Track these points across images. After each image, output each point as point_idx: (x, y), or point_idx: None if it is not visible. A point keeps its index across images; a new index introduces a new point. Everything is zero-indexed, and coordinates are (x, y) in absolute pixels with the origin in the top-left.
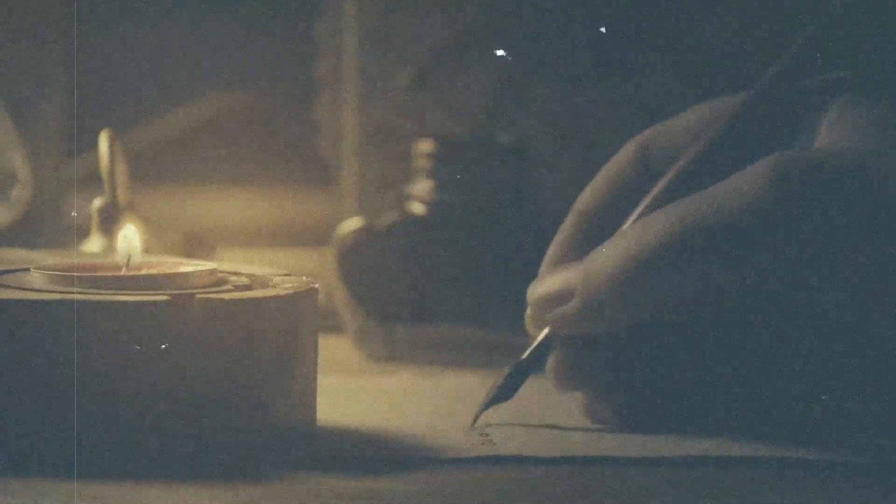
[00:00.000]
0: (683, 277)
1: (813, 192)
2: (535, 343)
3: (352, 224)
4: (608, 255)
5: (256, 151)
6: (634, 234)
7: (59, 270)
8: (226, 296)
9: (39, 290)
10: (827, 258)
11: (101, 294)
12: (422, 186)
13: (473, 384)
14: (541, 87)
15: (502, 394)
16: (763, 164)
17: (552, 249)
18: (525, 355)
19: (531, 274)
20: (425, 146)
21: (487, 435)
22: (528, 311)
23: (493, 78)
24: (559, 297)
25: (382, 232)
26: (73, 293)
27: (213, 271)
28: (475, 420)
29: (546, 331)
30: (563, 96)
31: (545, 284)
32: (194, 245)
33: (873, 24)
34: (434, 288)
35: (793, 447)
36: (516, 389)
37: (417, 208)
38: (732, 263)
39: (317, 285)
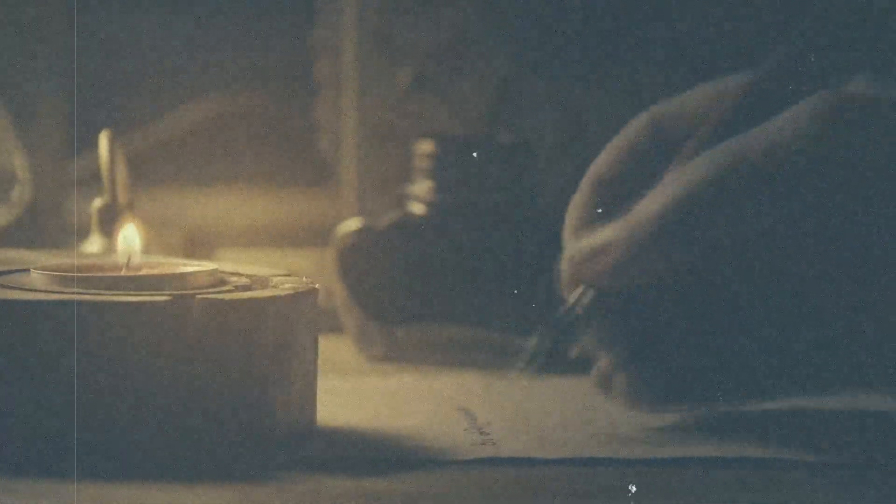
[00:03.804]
0: (731, 215)
1: (863, 128)
2: (571, 300)
3: (352, 224)
4: (652, 203)
5: (256, 151)
6: (677, 179)
7: (59, 271)
8: (226, 296)
9: (39, 291)
10: (876, 195)
11: (101, 294)
12: (422, 186)
13: (473, 384)
14: (541, 87)
15: (542, 350)
16: (809, 100)
17: (571, 215)
18: (560, 313)
19: (531, 274)
20: (425, 146)
21: (488, 434)
22: (564, 271)
23: (493, 78)
24: (601, 250)
25: (382, 232)
26: (73, 293)
27: (213, 272)
28: (520, 371)
29: (581, 288)
30: (563, 96)
31: (585, 240)
32: (194, 245)
33: (880, 9)
34: (434, 288)
35: (792, 447)
36: (556, 346)
37: (417, 208)
38: (780, 199)
39: (317, 285)
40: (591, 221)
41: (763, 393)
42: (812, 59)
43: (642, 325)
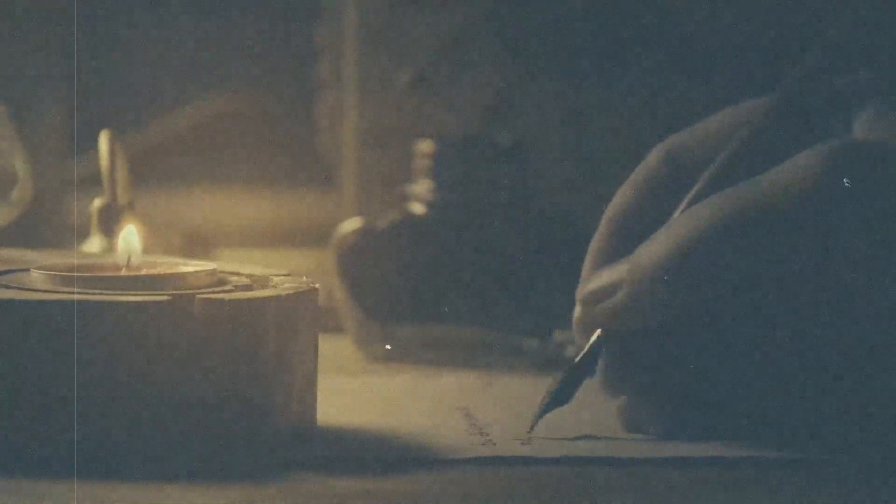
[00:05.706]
0: (734, 261)
1: (871, 177)
2: (587, 346)
3: (352, 224)
4: (656, 245)
5: (256, 151)
6: (682, 222)
7: (59, 270)
8: (226, 296)
9: (39, 290)
10: (882, 244)
11: (101, 294)
12: (422, 186)
13: (473, 384)
14: (541, 87)
15: (558, 399)
16: (818, 148)
17: (589, 257)
18: (577, 359)
19: (531, 274)
20: (425, 146)
21: (487, 435)
22: (577, 313)
23: (493, 78)
24: (607, 291)
25: (382, 232)
26: (73, 293)
27: (213, 271)
28: (532, 428)
29: (597, 333)
30: (563, 96)
31: (593, 281)
32: (194, 245)
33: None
34: (434, 288)
35: (792, 447)
36: (573, 393)
37: (417, 208)
38: (785, 246)
39: (317, 285)
40: (608, 260)
41: (767, 427)
42: (828, 81)
43: (648, 368)
